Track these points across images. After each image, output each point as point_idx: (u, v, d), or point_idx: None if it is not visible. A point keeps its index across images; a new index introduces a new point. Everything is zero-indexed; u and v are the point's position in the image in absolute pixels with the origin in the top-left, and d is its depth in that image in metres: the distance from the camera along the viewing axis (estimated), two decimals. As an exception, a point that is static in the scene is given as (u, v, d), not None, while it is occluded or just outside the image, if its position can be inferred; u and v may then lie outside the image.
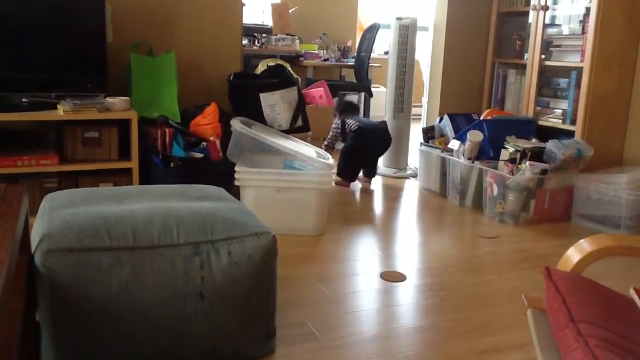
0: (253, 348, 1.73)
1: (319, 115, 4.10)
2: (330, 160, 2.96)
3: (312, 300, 2.17)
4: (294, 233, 2.86)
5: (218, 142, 3.13)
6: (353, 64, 5.70)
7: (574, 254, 1.47)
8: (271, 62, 4.29)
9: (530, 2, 3.76)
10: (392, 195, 3.78)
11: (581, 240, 1.50)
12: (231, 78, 3.42)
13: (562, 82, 3.64)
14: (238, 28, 3.60)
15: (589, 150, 3.29)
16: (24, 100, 2.82)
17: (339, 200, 3.56)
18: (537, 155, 3.22)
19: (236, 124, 2.93)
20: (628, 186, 3.05)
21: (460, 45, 4.20)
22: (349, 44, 6.13)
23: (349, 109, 3.95)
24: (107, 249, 1.52)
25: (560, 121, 3.60)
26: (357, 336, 1.93)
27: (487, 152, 3.46)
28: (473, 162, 3.43)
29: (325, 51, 5.80)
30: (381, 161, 4.32)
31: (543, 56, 3.69)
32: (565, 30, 3.59)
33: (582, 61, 3.42)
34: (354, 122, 3.80)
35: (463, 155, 3.49)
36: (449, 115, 3.85)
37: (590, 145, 3.33)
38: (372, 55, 5.50)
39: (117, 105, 2.89)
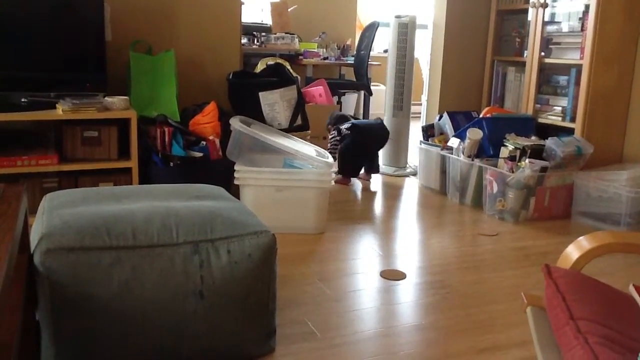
0: (253, 347, 1.73)
1: (318, 113, 4.10)
2: (330, 159, 2.96)
3: (312, 299, 2.17)
4: (294, 232, 2.86)
5: (217, 141, 3.13)
6: (352, 62, 5.70)
7: (573, 252, 1.47)
8: (270, 61, 4.30)
9: (529, -1, 3.76)
10: (392, 194, 3.78)
11: (581, 238, 1.50)
12: (230, 77, 3.42)
13: (562, 79, 3.63)
14: (237, 27, 3.60)
15: (589, 147, 3.29)
16: (23, 100, 2.82)
17: (338, 198, 3.56)
18: (537, 152, 3.22)
19: (236, 122, 2.93)
20: (628, 183, 3.05)
21: (459, 43, 4.20)
22: (348, 42, 6.13)
23: (340, 120, 3.97)
24: (107, 249, 1.52)
25: (560, 119, 3.60)
26: (357, 335, 1.93)
27: (486, 150, 3.45)
28: (473, 160, 3.43)
29: (324, 50, 5.80)
30: (381, 159, 4.32)
31: (542, 54, 3.69)
32: (565, 28, 3.58)
33: (581, 58, 3.42)
34: (348, 123, 3.83)
35: (463, 153, 3.48)
36: (448, 113, 3.85)
37: (590, 142, 3.33)
38: (372, 53, 5.50)
39: (117, 104, 2.89)
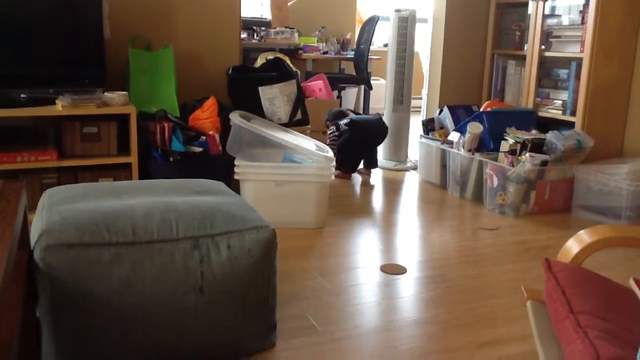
0: (253, 342, 1.73)
1: (318, 108, 4.09)
2: (330, 153, 2.95)
3: (313, 294, 2.17)
4: (294, 226, 2.86)
5: (217, 136, 3.12)
6: (352, 56, 5.69)
7: (573, 245, 1.47)
8: (270, 56, 4.28)
9: (529, -8, 3.74)
10: (392, 188, 3.78)
11: (581, 232, 1.50)
12: (230, 72, 3.41)
13: (562, 73, 3.62)
14: (236, 21, 3.59)
15: (589, 141, 3.28)
16: (22, 96, 2.82)
17: (339, 193, 3.56)
18: (537, 146, 3.22)
19: (235, 117, 2.93)
20: (628, 177, 3.04)
21: (459, 37, 4.19)
22: (348, 36, 6.11)
23: (339, 115, 3.96)
24: (107, 245, 1.52)
25: (561, 112, 3.59)
26: (358, 329, 1.93)
27: (487, 144, 3.45)
28: (473, 154, 3.43)
29: (324, 44, 5.79)
30: (381, 154, 4.31)
31: (543, 47, 3.68)
32: (565, 21, 3.57)
33: (581, 52, 3.41)
34: (346, 119, 3.83)
35: (463, 147, 3.48)
36: (448, 107, 3.84)
37: (591, 136, 3.33)
38: (372, 47, 5.48)
39: (116, 100, 2.89)
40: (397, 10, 4.21)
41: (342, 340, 1.86)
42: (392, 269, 2.44)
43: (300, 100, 3.46)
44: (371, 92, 5.71)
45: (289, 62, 4.15)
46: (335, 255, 2.56)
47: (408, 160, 4.39)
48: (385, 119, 4.27)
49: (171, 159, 2.97)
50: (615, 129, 3.53)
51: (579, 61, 3.43)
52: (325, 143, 3.57)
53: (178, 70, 3.34)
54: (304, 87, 4.12)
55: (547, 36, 3.67)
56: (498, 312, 2.09)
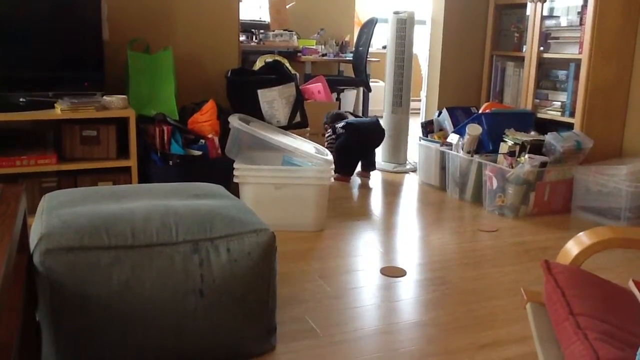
0: (253, 345, 1.73)
1: (317, 110, 4.09)
2: (329, 156, 2.95)
3: (312, 296, 2.17)
4: (294, 229, 2.86)
5: (216, 139, 3.12)
6: (351, 58, 5.70)
7: (573, 247, 1.47)
8: (269, 58, 4.29)
9: (527, -6, 3.75)
10: (392, 190, 3.78)
11: (580, 233, 1.50)
12: (229, 75, 3.41)
13: (561, 74, 3.63)
14: (235, 24, 3.59)
15: (588, 142, 3.28)
16: (21, 99, 2.82)
17: (338, 195, 3.56)
18: (537, 148, 3.22)
19: (234, 120, 2.93)
20: (628, 178, 3.05)
21: (458, 39, 4.19)
22: (346, 38, 6.12)
23: (337, 118, 3.97)
24: (106, 248, 1.52)
25: (559, 113, 3.59)
26: (358, 332, 1.93)
27: (486, 146, 3.45)
28: (472, 156, 3.43)
29: (323, 46, 5.79)
30: (380, 156, 4.32)
31: (541, 48, 3.68)
32: (564, 22, 3.58)
33: (580, 53, 3.41)
34: (342, 122, 3.84)
35: (462, 149, 3.48)
36: (447, 109, 3.85)
37: (590, 137, 3.33)
38: (370, 49, 5.49)
39: (115, 103, 2.89)
40: (396, 12, 4.22)
41: (342, 343, 1.86)
42: (391, 272, 2.44)
43: (299, 102, 3.46)
44: (370, 94, 5.72)
45: (287, 64, 4.16)
46: (335, 258, 2.56)
47: (407, 162, 4.40)
48: (384, 121, 4.28)
49: (170, 162, 2.97)
50: (614, 130, 3.53)
51: (578, 62, 3.43)
52: (323, 146, 3.57)
53: (177, 73, 3.35)
54: (303, 89, 4.13)
55: (546, 37, 3.68)
56: (498, 313, 2.09)
